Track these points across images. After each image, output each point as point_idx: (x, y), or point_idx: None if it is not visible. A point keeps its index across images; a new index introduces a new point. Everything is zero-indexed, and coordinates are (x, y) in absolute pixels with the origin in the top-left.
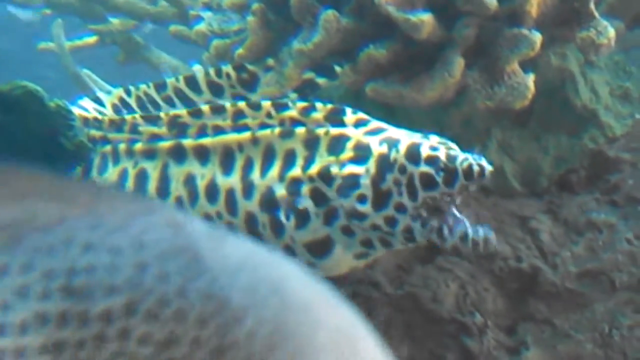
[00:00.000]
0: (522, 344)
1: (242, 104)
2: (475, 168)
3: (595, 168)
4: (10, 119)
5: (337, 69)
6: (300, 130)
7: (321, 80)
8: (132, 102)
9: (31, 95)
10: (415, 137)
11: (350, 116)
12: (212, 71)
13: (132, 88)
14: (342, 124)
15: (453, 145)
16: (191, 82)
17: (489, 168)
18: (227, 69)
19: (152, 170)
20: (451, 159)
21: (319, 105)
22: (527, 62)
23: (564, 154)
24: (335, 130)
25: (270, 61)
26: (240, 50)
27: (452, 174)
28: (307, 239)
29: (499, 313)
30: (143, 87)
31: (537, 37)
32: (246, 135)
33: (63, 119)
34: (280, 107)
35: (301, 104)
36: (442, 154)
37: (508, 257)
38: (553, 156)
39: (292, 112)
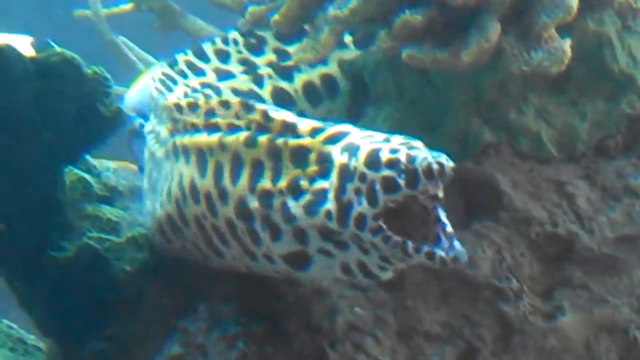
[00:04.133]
0: (559, 309)
1: (214, 102)
2: (435, 167)
3: (632, 133)
4: (48, 86)
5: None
6: (263, 140)
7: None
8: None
9: (68, 62)
10: (376, 141)
11: (303, 125)
12: (218, 39)
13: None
14: (297, 135)
15: (416, 144)
16: (199, 52)
17: (449, 165)
18: (234, 34)
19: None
20: (411, 159)
21: (273, 113)
22: (564, 27)
23: (601, 119)
24: (293, 142)
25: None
26: (275, 17)
27: (413, 175)
28: (282, 252)
29: (535, 278)
30: (159, 68)
31: (574, 2)
32: (214, 139)
33: (100, 86)
34: (247, 108)
35: (261, 108)
36: (402, 156)
37: (544, 222)
38: (590, 121)
39: (256, 116)
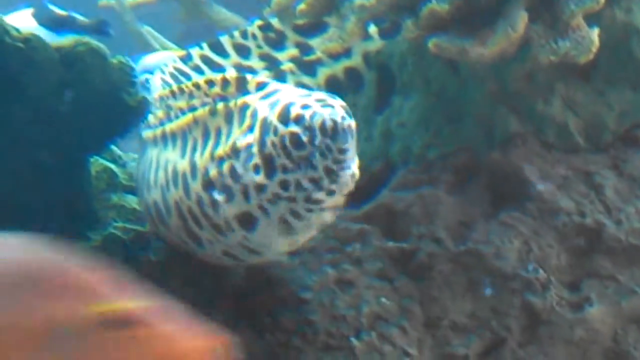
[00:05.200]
0: (586, 300)
1: (190, 84)
2: (329, 123)
3: None
4: (73, 76)
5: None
6: (220, 106)
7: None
8: (168, 79)
9: (93, 51)
10: (296, 96)
11: (251, 81)
12: (237, 33)
13: (164, 67)
14: (246, 91)
15: (333, 101)
16: (217, 46)
17: (343, 122)
18: (253, 29)
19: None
20: (312, 116)
21: (229, 76)
22: (592, 16)
23: (629, 108)
24: (240, 100)
25: (300, 20)
26: (301, 6)
27: (312, 131)
28: (234, 212)
29: (562, 269)
30: (171, 63)
31: None
32: (190, 117)
33: (125, 75)
34: (210, 83)
35: (219, 77)
36: (307, 112)
37: (572, 212)
38: (617, 111)
39: (216, 89)
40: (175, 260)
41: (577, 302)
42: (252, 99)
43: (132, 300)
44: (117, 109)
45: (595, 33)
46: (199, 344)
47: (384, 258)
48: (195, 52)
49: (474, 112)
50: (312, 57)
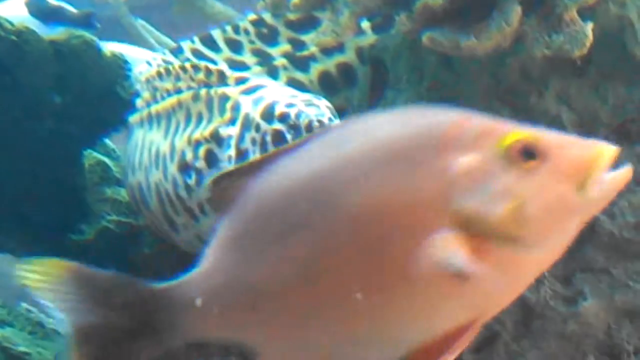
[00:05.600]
0: (580, 294)
1: (176, 66)
2: (315, 124)
3: None
4: (67, 69)
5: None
6: (203, 92)
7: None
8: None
9: (87, 45)
10: (280, 95)
11: (230, 76)
12: (229, 27)
13: (152, 59)
14: (225, 83)
15: (319, 102)
16: (209, 40)
17: (330, 124)
18: (245, 24)
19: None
20: (298, 115)
21: (212, 66)
22: (586, 10)
23: (623, 103)
24: (220, 90)
25: (292, 15)
26: (295, 0)
27: (298, 131)
28: (206, 196)
29: (555, 263)
30: (160, 55)
31: None
32: (175, 99)
33: (119, 69)
34: (195, 69)
35: (203, 65)
36: (293, 111)
37: None
38: (611, 105)
39: (201, 75)
40: (170, 253)
41: (571, 296)
42: (233, 92)
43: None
44: (111, 102)
45: (589, 27)
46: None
47: None
48: (186, 45)
49: (467, 106)
50: (305, 53)
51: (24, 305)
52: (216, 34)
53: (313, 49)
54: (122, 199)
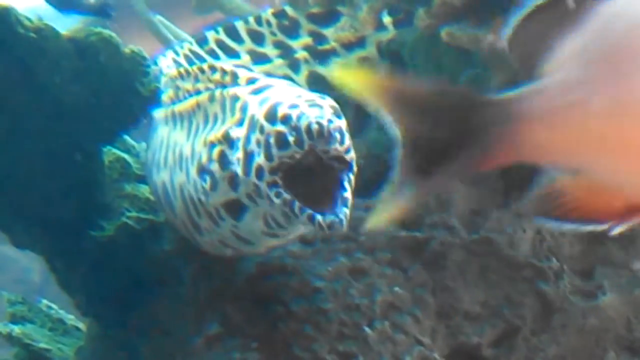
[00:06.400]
0: (599, 288)
1: (195, 68)
2: (314, 127)
3: None
4: (86, 65)
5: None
6: (217, 93)
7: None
8: (182, 60)
9: (106, 41)
10: (285, 95)
11: (242, 77)
12: (251, 19)
13: (178, 48)
14: (237, 84)
15: (323, 101)
16: (232, 31)
17: (328, 126)
18: (267, 15)
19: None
20: (299, 117)
21: (227, 67)
22: None
23: None
24: (232, 90)
25: (314, 8)
26: None
27: (299, 133)
28: (221, 200)
29: (575, 257)
30: (187, 45)
31: None
32: (194, 100)
33: (138, 65)
34: (212, 70)
35: (219, 65)
36: (295, 112)
37: None
38: None
39: (217, 75)
40: (188, 250)
41: (590, 291)
42: (242, 92)
43: None
44: (130, 98)
45: None
46: None
47: (397, 247)
48: (211, 35)
49: None
50: (326, 47)
51: (44, 302)
52: (239, 25)
53: (334, 43)
54: (142, 195)
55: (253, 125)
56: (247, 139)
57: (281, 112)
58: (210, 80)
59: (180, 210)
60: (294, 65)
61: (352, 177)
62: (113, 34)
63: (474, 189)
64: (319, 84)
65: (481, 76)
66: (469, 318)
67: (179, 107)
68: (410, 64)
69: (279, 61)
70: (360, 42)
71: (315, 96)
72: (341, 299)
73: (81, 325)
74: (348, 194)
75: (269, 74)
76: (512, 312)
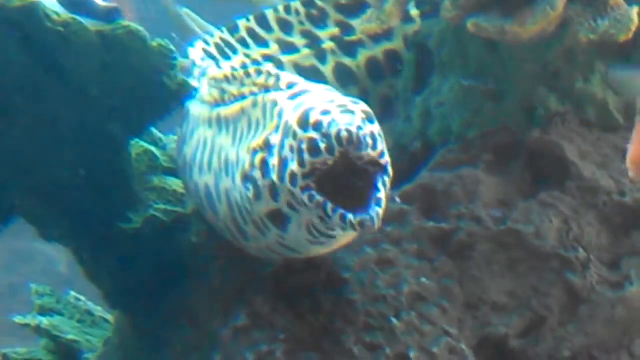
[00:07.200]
0: (626, 278)
1: (240, 72)
2: (343, 134)
3: None
4: (113, 59)
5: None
6: (259, 98)
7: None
8: (212, 49)
9: (133, 34)
10: (318, 100)
11: (284, 78)
12: (281, 7)
13: (208, 37)
14: (279, 88)
15: (354, 107)
16: (262, 20)
17: (358, 132)
18: (296, 4)
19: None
20: (330, 123)
21: (272, 70)
22: None
23: None
24: (272, 95)
25: None
26: None
27: (329, 139)
28: (264, 210)
29: (602, 248)
30: (218, 33)
31: None
32: (238, 106)
33: (165, 58)
34: (258, 72)
35: (265, 69)
36: (326, 119)
37: (612, 191)
38: None
39: (261, 78)
40: (216, 242)
41: (617, 281)
42: (281, 97)
43: None
44: (157, 91)
45: (634, 11)
46: None
47: (424, 238)
48: (242, 23)
49: (513, 91)
50: (353, 38)
51: (72, 293)
52: (269, 13)
53: (361, 34)
54: (169, 188)
55: (287, 131)
56: (282, 145)
57: (313, 118)
58: (255, 84)
59: (224, 215)
60: (321, 56)
61: (386, 179)
62: (140, 28)
63: (500, 179)
64: (344, 74)
65: None
66: (496, 308)
67: (225, 112)
68: (437, 55)
69: (305, 51)
70: (387, 34)
71: (347, 100)
72: (368, 289)
73: (109, 317)
74: (381, 194)
75: (297, 65)
76: (539, 303)
